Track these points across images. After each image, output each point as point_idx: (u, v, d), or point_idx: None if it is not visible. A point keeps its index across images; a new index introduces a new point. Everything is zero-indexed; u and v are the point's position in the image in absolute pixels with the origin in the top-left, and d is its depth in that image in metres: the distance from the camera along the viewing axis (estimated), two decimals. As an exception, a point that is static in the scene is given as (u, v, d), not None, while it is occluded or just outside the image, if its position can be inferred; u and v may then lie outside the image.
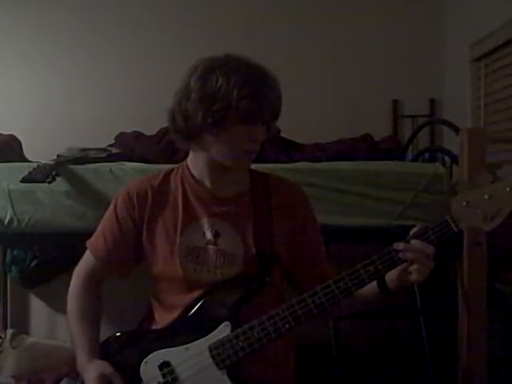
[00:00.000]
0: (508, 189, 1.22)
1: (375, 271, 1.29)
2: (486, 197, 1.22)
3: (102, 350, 1.41)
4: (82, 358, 1.39)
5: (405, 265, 1.28)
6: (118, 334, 1.44)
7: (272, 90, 1.34)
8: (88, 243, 1.51)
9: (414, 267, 1.26)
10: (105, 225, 1.49)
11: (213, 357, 1.32)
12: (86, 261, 1.51)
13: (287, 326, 1.31)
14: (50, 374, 2.44)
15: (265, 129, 1.38)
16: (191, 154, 1.47)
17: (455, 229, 1.25)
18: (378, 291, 1.34)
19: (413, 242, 1.27)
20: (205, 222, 1.42)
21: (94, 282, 1.50)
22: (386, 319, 2.86)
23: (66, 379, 2.35)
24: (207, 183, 1.44)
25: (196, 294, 1.39)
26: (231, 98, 1.29)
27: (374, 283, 1.33)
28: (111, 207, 1.49)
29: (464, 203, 1.24)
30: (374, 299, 1.38)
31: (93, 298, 1.49)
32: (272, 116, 1.38)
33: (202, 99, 1.31)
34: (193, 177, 1.45)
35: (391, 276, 1.32)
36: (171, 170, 1.51)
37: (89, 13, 3.15)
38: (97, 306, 1.50)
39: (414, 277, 1.27)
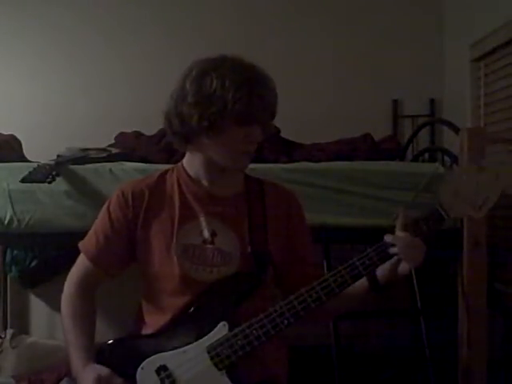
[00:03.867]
0: (494, 177, 1.23)
1: (370, 263, 1.29)
2: (474, 185, 1.23)
3: (96, 360, 1.38)
4: (76, 363, 1.37)
5: (396, 257, 1.29)
6: (111, 341, 1.41)
7: (267, 90, 1.33)
8: (80, 244, 1.49)
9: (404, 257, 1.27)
10: (97, 225, 1.48)
11: (211, 358, 1.31)
12: (79, 264, 1.49)
13: (286, 322, 1.30)
14: (50, 374, 2.43)
15: (261, 129, 1.37)
16: (187, 155, 1.47)
17: (446, 217, 1.26)
18: (369, 288, 1.33)
19: (400, 235, 1.27)
20: (202, 221, 1.41)
21: (87, 285, 1.48)
22: (386, 319, 2.86)
23: (66, 379, 2.34)
24: (204, 182, 1.44)
25: (191, 294, 1.38)
26: (226, 101, 1.28)
27: (364, 281, 1.33)
28: (104, 208, 1.48)
29: (453, 192, 1.25)
30: (364, 298, 1.37)
31: (86, 302, 1.46)
32: (268, 116, 1.37)
33: (198, 102, 1.31)
34: (189, 176, 1.45)
35: (382, 270, 1.32)
36: (166, 171, 1.50)
37: (89, 13, 3.14)
38: (90, 311, 1.47)
39: (402, 269, 1.29)
